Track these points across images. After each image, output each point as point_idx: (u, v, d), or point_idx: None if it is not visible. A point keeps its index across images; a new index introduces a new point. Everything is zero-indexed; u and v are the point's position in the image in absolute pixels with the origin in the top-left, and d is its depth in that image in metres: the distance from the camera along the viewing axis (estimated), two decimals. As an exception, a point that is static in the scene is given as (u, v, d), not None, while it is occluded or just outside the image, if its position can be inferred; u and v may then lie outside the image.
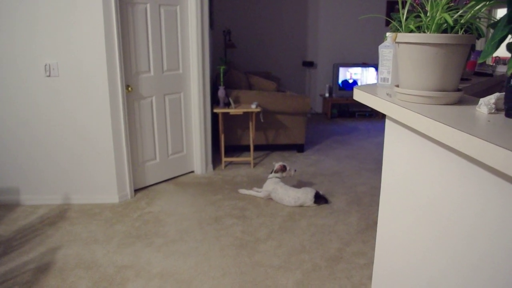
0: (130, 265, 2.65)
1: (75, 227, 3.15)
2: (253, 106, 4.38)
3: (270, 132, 4.91)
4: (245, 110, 4.35)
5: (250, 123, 4.55)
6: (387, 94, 1.27)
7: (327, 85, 6.95)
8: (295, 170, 3.80)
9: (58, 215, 3.36)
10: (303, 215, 3.35)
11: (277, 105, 4.76)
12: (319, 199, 3.50)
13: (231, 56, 6.60)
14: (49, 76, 3.28)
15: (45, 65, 3.25)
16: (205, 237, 3.01)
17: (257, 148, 5.00)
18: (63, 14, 3.18)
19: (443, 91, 1.10)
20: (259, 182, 3.99)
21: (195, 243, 2.92)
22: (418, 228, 1.24)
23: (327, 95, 6.97)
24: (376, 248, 1.68)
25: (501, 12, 5.92)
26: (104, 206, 3.52)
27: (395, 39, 1.14)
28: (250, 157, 4.56)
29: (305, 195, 3.48)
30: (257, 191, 3.73)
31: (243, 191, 3.78)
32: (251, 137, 4.54)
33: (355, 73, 6.75)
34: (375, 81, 6.69)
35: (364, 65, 6.71)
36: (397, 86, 1.22)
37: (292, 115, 4.85)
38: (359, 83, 6.81)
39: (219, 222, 3.23)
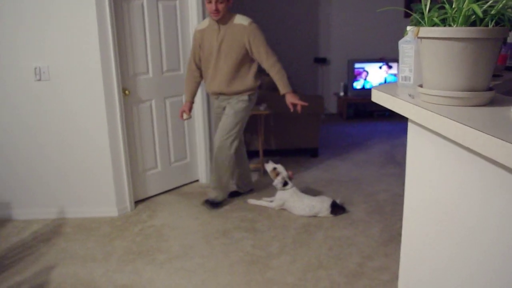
0: (131, 284, 2.64)
1: (71, 244, 3.16)
2: (262, 108, 4.36)
3: (281, 136, 4.88)
4: (252, 112, 4.32)
5: (259, 127, 4.53)
6: (410, 95, 1.25)
7: (341, 83, 6.91)
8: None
9: (53, 231, 3.36)
10: (319, 226, 3.32)
11: (288, 106, 4.73)
12: (336, 208, 3.47)
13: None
14: (39, 80, 3.29)
15: (35, 68, 3.27)
16: (212, 252, 2.99)
17: (267, 153, 4.96)
18: (52, 12, 3.19)
19: (473, 90, 1.07)
20: (270, 190, 3.96)
21: (201, 259, 2.90)
22: (446, 240, 1.21)
23: (342, 94, 6.93)
24: (400, 262, 1.64)
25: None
26: (102, 220, 3.52)
27: (417, 34, 1.12)
28: (259, 163, 4.54)
29: (321, 204, 3.45)
30: (268, 201, 3.70)
31: (252, 201, 3.76)
32: (260, 141, 4.52)
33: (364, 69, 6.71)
34: (383, 79, 6.65)
35: (382, 60, 6.66)
36: (421, 86, 1.20)
37: (304, 117, 4.82)
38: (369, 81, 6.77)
39: (227, 236, 3.21)
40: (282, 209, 3.61)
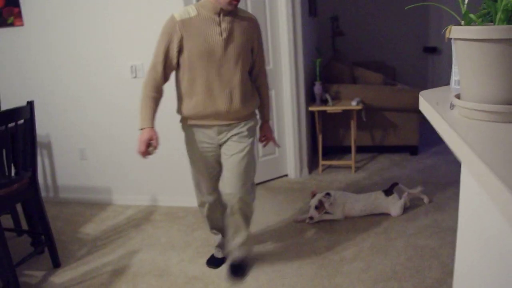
0: (201, 276, 2.69)
1: (156, 231, 3.33)
2: (354, 103, 4.13)
3: (376, 132, 4.59)
4: (343, 107, 4.12)
5: (352, 122, 4.30)
6: (451, 106, 1.03)
7: (454, 74, 6.27)
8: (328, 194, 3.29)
9: (144, 217, 3.58)
10: (401, 233, 3.05)
11: (384, 101, 4.42)
12: (389, 189, 3.37)
13: (340, 45, 6.34)
14: (135, 77, 3.50)
15: (131, 66, 3.47)
16: (284, 251, 2.92)
17: (361, 150, 4.72)
18: (143, 14, 3.36)
19: (515, 104, 0.84)
20: (358, 190, 3.73)
21: (271, 258, 2.85)
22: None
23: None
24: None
25: None
26: (189, 210, 3.65)
27: (449, 33, 0.91)
28: (351, 160, 4.32)
29: (376, 190, 3.42)
30: (329, 214, 3.32)
31: (299, 217, 3.34)
32: (353, 137, 4.30)
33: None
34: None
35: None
36: (458, 97, 0.98)
37: (402, 112, 4.46)
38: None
39: (303, 235, 3.11)
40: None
